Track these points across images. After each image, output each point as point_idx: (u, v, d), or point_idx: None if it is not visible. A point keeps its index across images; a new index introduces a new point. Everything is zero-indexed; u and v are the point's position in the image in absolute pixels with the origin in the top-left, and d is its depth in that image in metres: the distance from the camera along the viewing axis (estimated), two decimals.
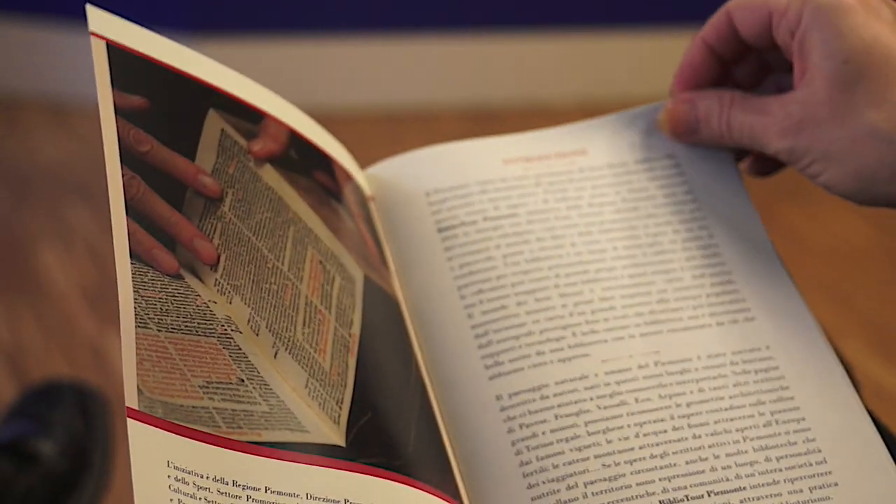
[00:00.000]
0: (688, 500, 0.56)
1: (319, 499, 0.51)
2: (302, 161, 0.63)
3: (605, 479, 0.56)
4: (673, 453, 0.57)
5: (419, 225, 0.65)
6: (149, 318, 0.51)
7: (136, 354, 0.50)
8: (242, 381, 0.52)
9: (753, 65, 0.68)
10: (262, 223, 0.58)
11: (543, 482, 0.57)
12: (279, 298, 0.56)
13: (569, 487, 0.56)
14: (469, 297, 0.62)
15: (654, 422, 0.58)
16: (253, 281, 0.56)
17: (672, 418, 0.58)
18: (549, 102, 2.53)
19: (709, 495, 0.56)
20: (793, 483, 0.57)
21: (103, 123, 0.54)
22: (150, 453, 0.48)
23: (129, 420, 0.48)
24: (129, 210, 0.52)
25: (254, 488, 0.50)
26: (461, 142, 0.68)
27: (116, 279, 0.51)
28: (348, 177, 0.66)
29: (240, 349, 0.53)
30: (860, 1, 0.60)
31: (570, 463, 0.57)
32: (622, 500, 0.56)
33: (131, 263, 0.51)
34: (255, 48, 2.42)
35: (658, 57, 2.35)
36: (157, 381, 0.50)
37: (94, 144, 2.28)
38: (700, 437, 0.58)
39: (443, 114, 2.42)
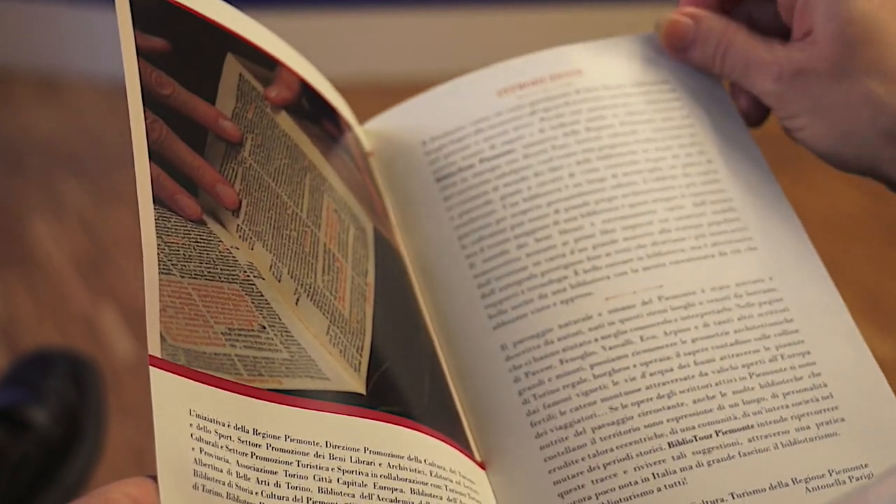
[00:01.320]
0: (696, 440, 0.55)
1: (339, 447, 0.51)
2: (312, 111, 0.62)
3: (612, 423, 0.55)
4: (680, 392, 0.56)
5: (418, 176, 0.65)
6: (172, 264, 0.50)
7: (160, 301, 0.49)
8: (264, 328, 0.52)
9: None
10: (280, 169, 0.57)
11: (551, 430, 0.56)
12: (299, 245, 0.56)
13: (577, 434, 0.56)
14: (470, 246, 0.62)
15: (660, 360, 0.57)
16: (274, 227, 0.55)
17: (678, 356, 0.57)
18: None
19: (717, 434, 0.55)
20: (800, 420, 0.56)
21: (126, 65, 0.52)
22: (172, 401, 0.47)
23: (151, 368, 0.47)
24: (152, 154, 0.51)
25: (273, 436, 0.50)
26: (456, 79, 0.67)
27: (140, 224, 0.50)
28: (350, 129, 0.66)
29: (262, 295, 0.52)
30: None
31: (576, 409, 0.56)
32: (630, 444, 0.55)
33: (154, 209, 0.50)
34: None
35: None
36: (179, 327, 0.49)
37: (87, 117, 2.28)
38: (706, 374, 0.57)
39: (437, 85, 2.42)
